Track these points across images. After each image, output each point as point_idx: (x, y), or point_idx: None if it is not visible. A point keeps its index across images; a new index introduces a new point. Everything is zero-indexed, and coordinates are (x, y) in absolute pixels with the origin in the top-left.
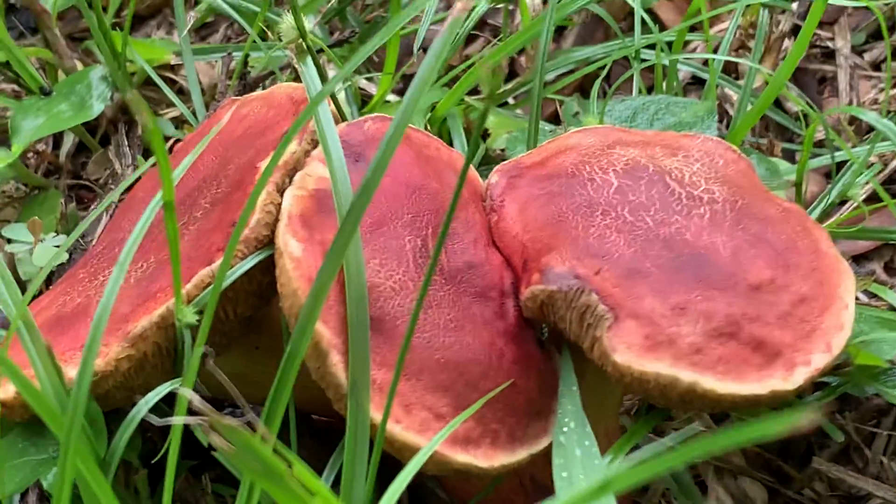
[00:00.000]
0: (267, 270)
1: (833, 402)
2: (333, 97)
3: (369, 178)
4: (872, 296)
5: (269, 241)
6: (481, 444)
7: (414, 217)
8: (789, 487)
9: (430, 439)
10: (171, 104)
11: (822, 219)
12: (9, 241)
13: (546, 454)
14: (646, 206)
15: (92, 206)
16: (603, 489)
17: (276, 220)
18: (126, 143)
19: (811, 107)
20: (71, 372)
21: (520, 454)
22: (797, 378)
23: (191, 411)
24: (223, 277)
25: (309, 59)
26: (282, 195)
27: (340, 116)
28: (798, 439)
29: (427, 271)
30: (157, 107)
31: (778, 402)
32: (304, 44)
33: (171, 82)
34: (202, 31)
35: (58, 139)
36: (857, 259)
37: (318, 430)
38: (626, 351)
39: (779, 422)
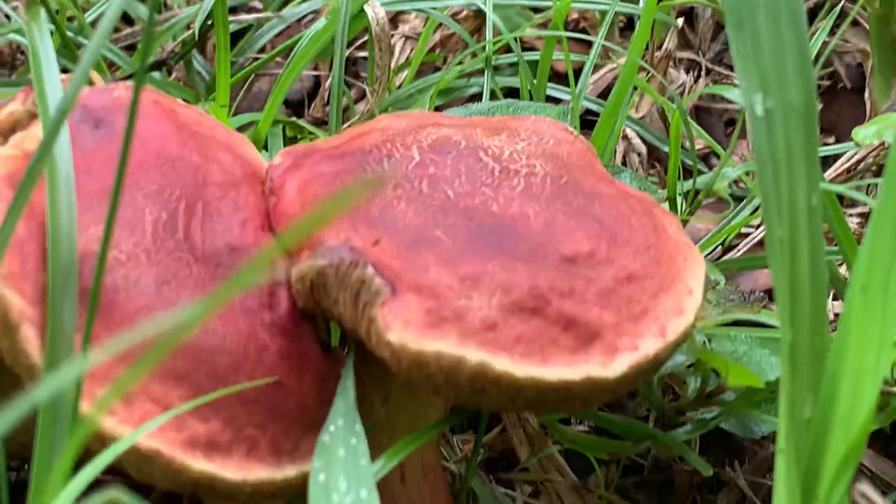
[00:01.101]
0: None
1: (721, 452)
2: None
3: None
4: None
5: None
6: (233, 452)
7: (161, 188)
8: None
9: (152, 437)
10: None
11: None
12: None
13: None
14: (448, 179)
15: None
16: None
17: None
18: None
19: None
20: None
21: (287, 471)
22: (619, 365)
23: None
24: None
25: (41, 12)
26: None
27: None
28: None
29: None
30: None
31: (595, 397)
32: None
33: None
34: None
35: None
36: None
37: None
38: (402, 329)
39: None
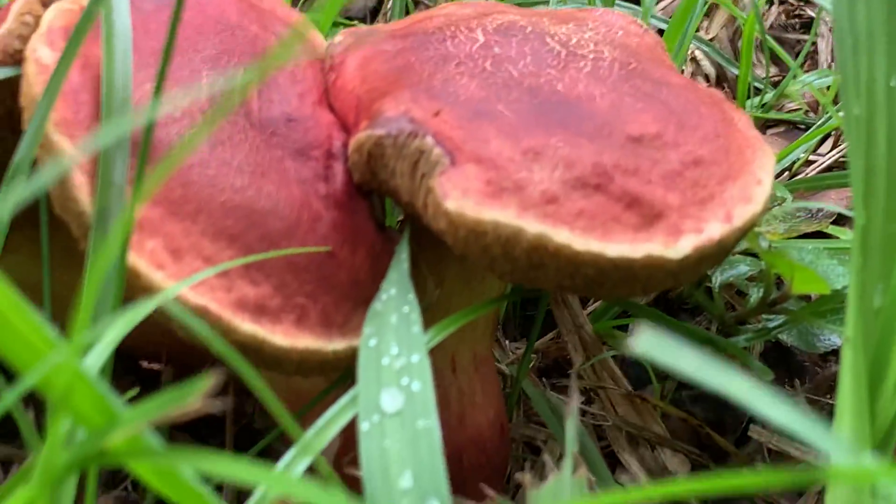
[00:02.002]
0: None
1: (782, 371)
2: None
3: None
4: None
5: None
6: (282, 318)
7: (220, 53)
8: (720, 461)
9: (202, 294)
10: None
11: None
12: None
13: None
14: (513, 60)
15: None
16: None
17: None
18: None
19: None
20: None
21: (336, 343)
22: (683, 246)
23: None
24: None
25: None
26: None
27: None
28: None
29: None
30: None
31: (656, 280)
32: None
33: None
34: None
35: None
36: None
37: (145, 378)
38: (461, 197)
39: None
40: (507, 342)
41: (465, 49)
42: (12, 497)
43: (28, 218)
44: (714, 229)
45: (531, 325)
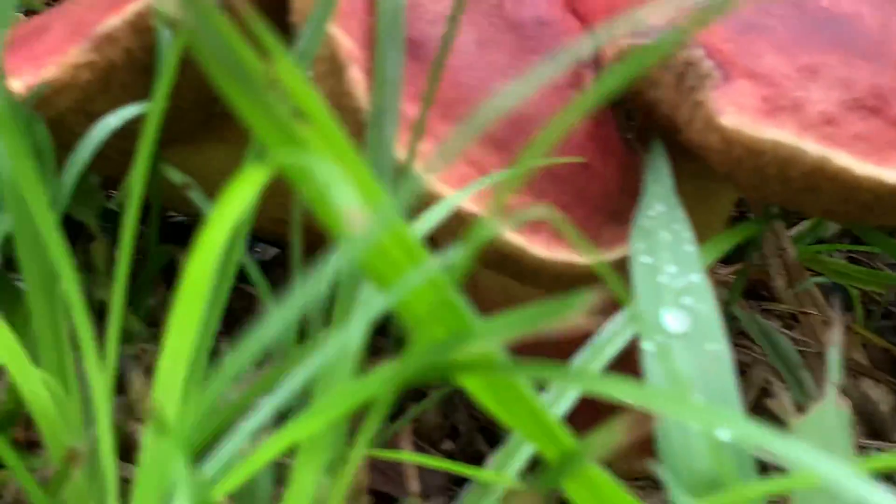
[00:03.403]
0: None
1: None
2: None
3: None
4: None
5: None
6: (539, 229)
7: None
8: None
9: (475, 202)
10: None
11: None
12: None
13: None
14: None
15: None
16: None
17: None
18: None
19: None
20: (17, 85)
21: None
22: None
23: None
24: None
25: None
26: None
27: None
28: None
29: None
30: None
31: None
32: None
33: None
34: None
35: None
36: None
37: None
38: (737, 113)
39: None
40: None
41: None
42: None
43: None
44: None
45: (744, 250)
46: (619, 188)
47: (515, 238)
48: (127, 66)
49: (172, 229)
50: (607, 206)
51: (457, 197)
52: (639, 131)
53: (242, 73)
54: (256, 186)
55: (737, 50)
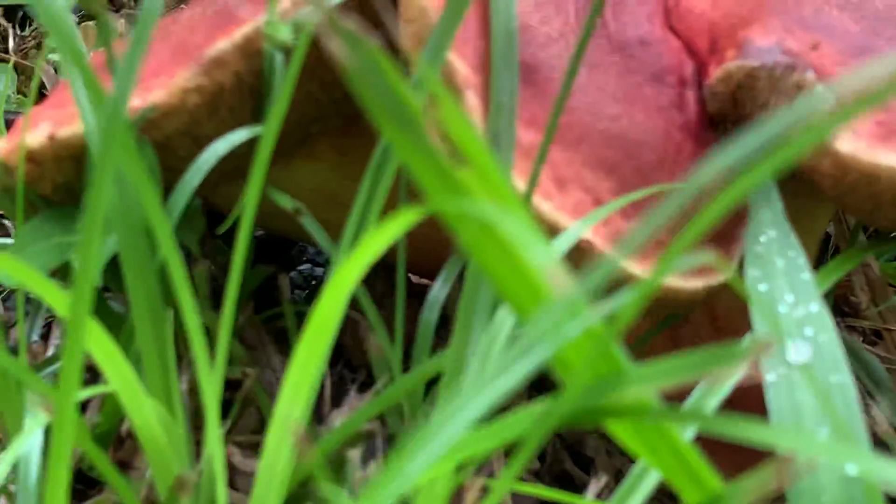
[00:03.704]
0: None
1: None
2: None
3: None
4: None
5: None
6: (648, 255)
7: None
8: None
9: (587, 230)
10: None
11: None
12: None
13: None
14: None
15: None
16: None
17: None
18: None
19: None
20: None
21: (692, 283)
22: None
23: None
24: None
25: None
26: None
27: None
28: None
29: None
30: None
31: None
32: None
33: None
34: None
35: None
36: None
37: (415, 293)
38: (853, 138)
39: None
40: None
41: None
42: None
43: (323, 118)
44: None
45: (821, 261)
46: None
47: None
48: (235, 90)
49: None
50: (713, 230)
51: (580, 229)
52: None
53: (404, 114)
54: (401, 229)
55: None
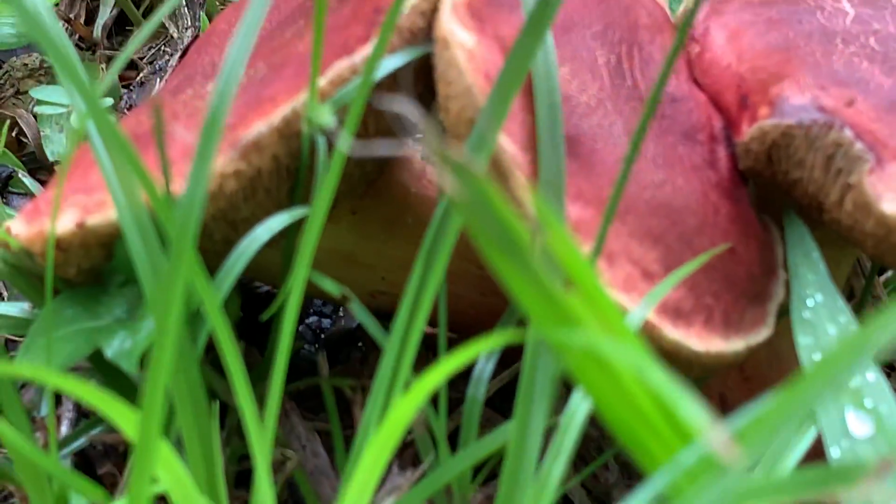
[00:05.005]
0: (420, 73)
1: None
2: None
3: None
4: None
5: (422, 36)
6: (693, 320)
7: (605, 29)
8: None
9: (634, 301)
10: None
11: None
12: (38, 102)
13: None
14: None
15: (134, 84)
16: None
17: (433, 9)
18: (184, 2)
19: None
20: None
21: (735, 344)
22: None
23: None
24: (375, 66)
25: None
26: None
27: None
28: None
29: (653, 93)
30: None
31: None
32: None
33: None
34: None
35: (92, 10)
36: None
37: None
38: None
39: None
40: None
41: (839, 23)
42: None
43: (352, 191)
44: None
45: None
46: (761, 269)
47: (676, 334)
48: (272, 173)
49: (258, 300)
50: (751, 289)
51: (641, 312)
52: (760, 203)
53: (511, 244)
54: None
55: (887, 130)
